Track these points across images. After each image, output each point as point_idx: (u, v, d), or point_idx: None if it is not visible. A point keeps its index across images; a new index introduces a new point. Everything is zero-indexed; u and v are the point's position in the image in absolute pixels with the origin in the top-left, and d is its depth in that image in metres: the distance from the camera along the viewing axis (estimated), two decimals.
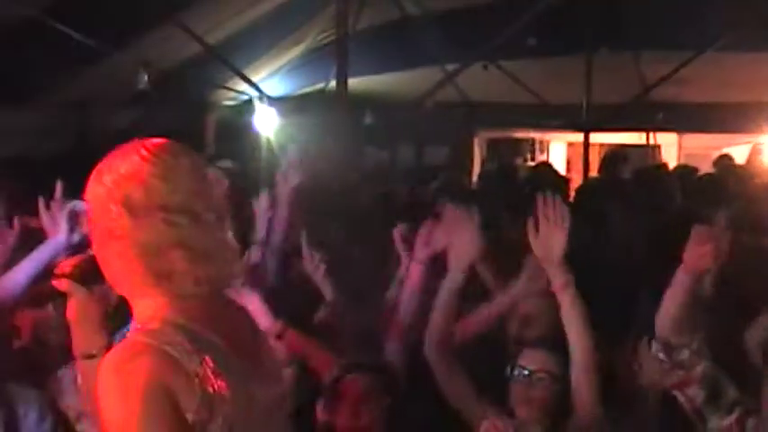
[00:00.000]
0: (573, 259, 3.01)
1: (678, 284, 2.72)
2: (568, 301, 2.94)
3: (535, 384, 2.95)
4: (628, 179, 7.41)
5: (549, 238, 2.98)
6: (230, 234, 1.94)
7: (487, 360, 3.39)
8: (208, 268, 1.85)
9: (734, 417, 2.63)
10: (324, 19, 8.97)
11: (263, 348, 2.02)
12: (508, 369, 3.04)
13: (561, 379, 2.95)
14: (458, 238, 3.17)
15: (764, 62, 9.37)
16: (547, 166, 9.13)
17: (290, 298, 3.85)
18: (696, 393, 2.68)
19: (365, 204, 6.16)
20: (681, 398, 2.72)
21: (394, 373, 3.08)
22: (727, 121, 10.64)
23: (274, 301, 3.32)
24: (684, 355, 2.69)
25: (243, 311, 2.06)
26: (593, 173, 10.14)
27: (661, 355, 2.72)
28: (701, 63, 9.65)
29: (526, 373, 2.97)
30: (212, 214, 1.88)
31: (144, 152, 1.85)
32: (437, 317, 3.18)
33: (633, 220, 5.60)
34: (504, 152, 12.67)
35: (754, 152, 11.31)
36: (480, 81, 10.31)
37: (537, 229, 3.00)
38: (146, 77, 7.07)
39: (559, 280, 2.97)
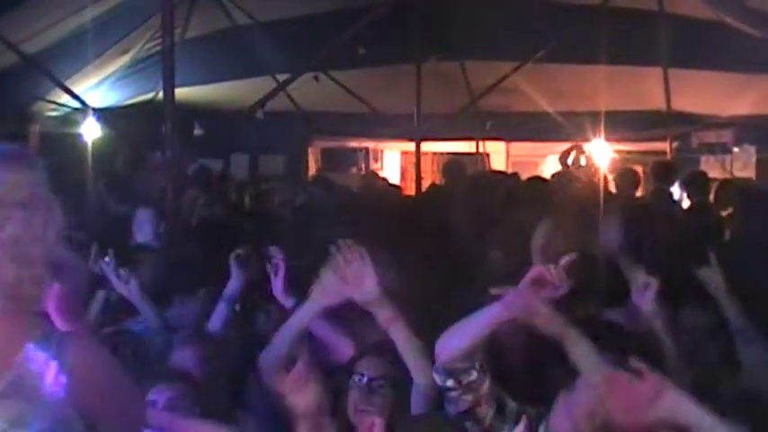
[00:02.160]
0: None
1: (494, 317, 2.59)
2: (400, 334, 2.89)
3: (375, 391, 2.93)
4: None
5: (359, 280, 2.93)
6: None
7: None
8: None
9: (522, 425, 2.62)
10: (151, 28, 8.77)
11: None
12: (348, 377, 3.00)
13: (400, 384, 2.93)
14: (355, 281, 2.97)
15: (586, 73, 9.81)
16: (374, 175, 9.35)
17: None
18: (486, 411, 2.62)
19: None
20: (469, 422, 2.63)
21: None
22: (551, 129, 11.06)
23: None
24: (473, 376, 2.60)
25: None
26: (427, 181, 10.37)
27: (450, 383, 2.61)
28: (527, 73, 10.04)
29: (365, 380, 2.95)
30: None
31: None
32: (281, 344, 3.08)
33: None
34: (339, 161, 12.75)
35: (577, 157, 11.85)
36: (313, 91, 10.35)
37: (345, 278, 2.94)
38: None
39: (385, 315, 2.93)
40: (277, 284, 3.62)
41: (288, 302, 3.56)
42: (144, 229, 5.49)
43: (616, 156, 11.04)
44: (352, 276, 2.94)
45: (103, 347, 2.13)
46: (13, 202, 1.92)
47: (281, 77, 9.69)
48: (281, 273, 3.61)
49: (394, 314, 2.91)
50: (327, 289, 2.99)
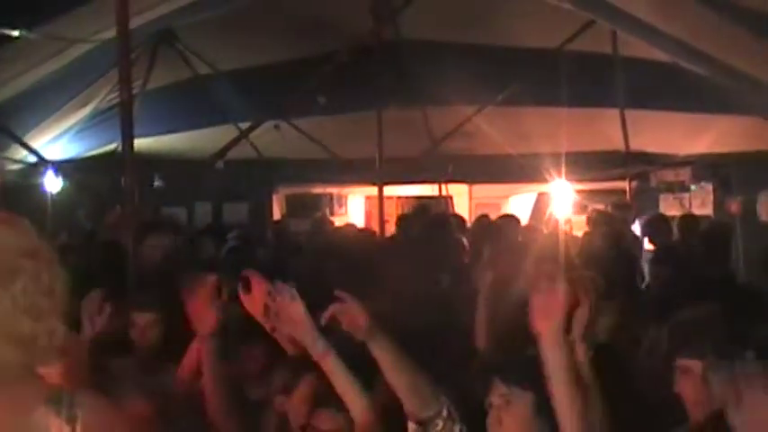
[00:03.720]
0: None
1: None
2: (331, 368, 2.90)
3: None
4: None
5: (289, 317, 2.96)
6: None
7: None
8: None
9: None
10: (111, 80, 8.76)
11: None
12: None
13: None
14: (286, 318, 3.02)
15: (546, 115, 9.94)
16: (322, 221, 9.60)
17: None
18: None
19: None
20: None
21: None
22: (513, 171, 11.18)
23: None
24: (439, 426, 2.64)
25: None
26: (391, 224, 10.39)
27: None
28: (487, 117, 10.16)
29: None
30: None
31: None
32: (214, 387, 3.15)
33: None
34: (304, 207, 12.76)
35: (539, 201, 12.00)
36: (275, 138, 10.39)
37: (277, 315, 3.01)
38: None
39: (316, 352, 2.93)
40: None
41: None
42: None
43: (577, 196, 11.20)
44: (284, 313, 2.97)
45: (116, 406, 2.08)
46: (21, 255, 1.93)
47: (243, 126, 9.72)
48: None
49: (323, 350, 2.91)
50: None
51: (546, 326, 2.38)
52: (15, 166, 9.73)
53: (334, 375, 2.90)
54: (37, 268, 1.94)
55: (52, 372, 2.13)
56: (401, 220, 9.02)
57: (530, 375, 2.54)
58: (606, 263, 5.50)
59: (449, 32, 9.25)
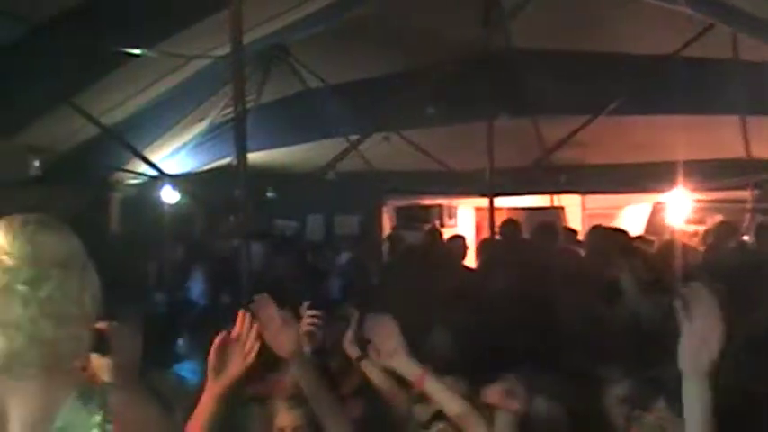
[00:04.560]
0: None
1: None
2: (430, 388, 3.00)
3: None
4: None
5: (277, 335, 2.89)
6: None
7: None
8: None
9: None
10: (227, 95, 8.97)
11: None
12: None
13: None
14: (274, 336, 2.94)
15: (659, 124, 9.69)
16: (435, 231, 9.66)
17: None
18: None
19: None
20: None
21: None
22: (627, 181, 10.93)
23: None
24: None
25: None
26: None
27: None
28: (600, 126, 9.94)
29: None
30: None
31: None
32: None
33: None
34: (413, 219, 12.77)
35: (655, 211, 11.67)
36: (385, 150, 10.43)
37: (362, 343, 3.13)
38: (36, 162, 6.96)
39: (413, 374, 3.03)
40: (347, 337, 3.80)
41: (353, 352, 3.76)
42: (195, 287, 5.61)
43: (696, 205, 10.85)
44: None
45: (152, 399, 2.14)
46: (50, 262, 2.02)
47: (353, 139, 9.80)
48: (353, 327, 3.79)
49: (420, 374, 3.00)
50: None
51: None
52: (136, 180, 10.06)
53: (436, 394, 2.99)
54: (66, 276, 2.03)
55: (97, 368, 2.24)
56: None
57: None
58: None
59: (560, 40, 9.10)
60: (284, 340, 2.87)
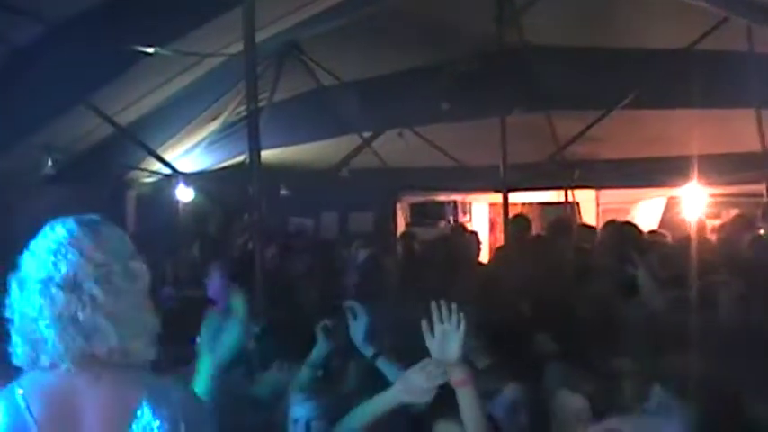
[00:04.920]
0: None
1: None
2: (467, 397, 2.98)
3: None
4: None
5: (445, 340, 3.01)
6: None
7: None
8: None
9: None
10: (240, 93, 8.99)
11: None
12: None
13: None
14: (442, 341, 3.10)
15: (674, 118, 9.64)
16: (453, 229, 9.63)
17: None
18: None
19: None
20: None
21: None
22: (642, 175, 10.88)
23: None
24: None
25: None
26: None
27: None
28: (614, 121, 9.91)
29: None
30: None
31: None
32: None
33: None
34: (428, 215, 12.77)
35: (670, 205, 11.62)
36: (399, 147, 10.43)
37: (432, 332, 3.03)
38: (50, 161, 7.01)
39: (457, 377, 3.00)
40: (357, 334, 3.78)
41: (367, 351, 3.76)
42: (213, 284, 5.63)
43: (711, 200, 10.80)
44: (441, 336, 3.00)
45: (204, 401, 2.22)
46: (132, 258, 2.09)
47: (367, 135, 9.80)
48: (362, 323, 3.78)
49: (466, 376, 3.00)
50: (413, 389, 3.08)
51: None
52: (150, 179, 10.11)
53: (466, 403, 2.99)
54: (143, 270, 2.09)
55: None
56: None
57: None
58: None
59: (573, 35, 9.08)
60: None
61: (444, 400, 3.09)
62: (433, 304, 3.04)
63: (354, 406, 3.28)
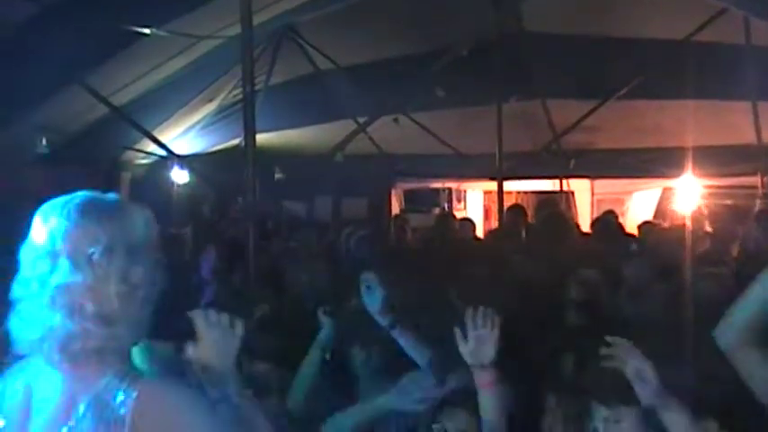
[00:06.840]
0: None
1: None
2: (492, 400, 2.98)
3: None
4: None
5: (479, 344, 3.00)
6: None
7: None
8: None
9: None
10: (236, 76, 8.95)
11: None
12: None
13: None
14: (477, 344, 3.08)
15: (670, 108, 9.64)
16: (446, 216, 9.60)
17: None
18: None
19: None
20: None
21: None
22: (637, 165, 10.88)
23: None
24: None
25: None
26: None
27: None
28: (610, 111, 9.91)
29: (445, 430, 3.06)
30: None
31: None
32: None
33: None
34: (422, 202, 12.76)
35: (664, 196, 11.62)
36: (394, 133, 10.41)
37: (465, 336, 3.01)
38: (44, 141, 6.97)
39: (485, 380, 2.99)
40: (374, 305, 3.77)
41: (384, 321, 3.75)
42: (205, 266, 5.64)
43: (706, 191, 10.80)
44: (475, 341, 3.00)
45: (189, 394, 2.03)
46: (141, 240, 1.99)
47: (362, 121, 9.78)
48: (378, 294, 3.77)
49: (492, 379, 2.99)
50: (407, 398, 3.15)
51: None
52: (145, 160, 10.08)
53: (490, 404, 2.98)
54: (84, 269, 1.92)
55: None
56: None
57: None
58: None
59: (571, 24, 9.06)
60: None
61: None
62: (469, 311, 3.03)
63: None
